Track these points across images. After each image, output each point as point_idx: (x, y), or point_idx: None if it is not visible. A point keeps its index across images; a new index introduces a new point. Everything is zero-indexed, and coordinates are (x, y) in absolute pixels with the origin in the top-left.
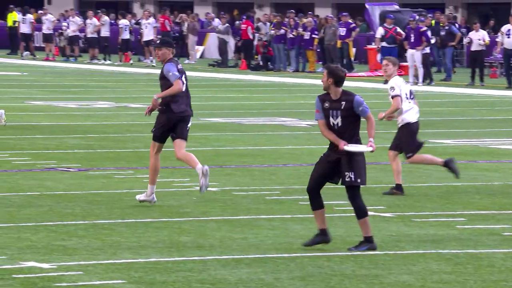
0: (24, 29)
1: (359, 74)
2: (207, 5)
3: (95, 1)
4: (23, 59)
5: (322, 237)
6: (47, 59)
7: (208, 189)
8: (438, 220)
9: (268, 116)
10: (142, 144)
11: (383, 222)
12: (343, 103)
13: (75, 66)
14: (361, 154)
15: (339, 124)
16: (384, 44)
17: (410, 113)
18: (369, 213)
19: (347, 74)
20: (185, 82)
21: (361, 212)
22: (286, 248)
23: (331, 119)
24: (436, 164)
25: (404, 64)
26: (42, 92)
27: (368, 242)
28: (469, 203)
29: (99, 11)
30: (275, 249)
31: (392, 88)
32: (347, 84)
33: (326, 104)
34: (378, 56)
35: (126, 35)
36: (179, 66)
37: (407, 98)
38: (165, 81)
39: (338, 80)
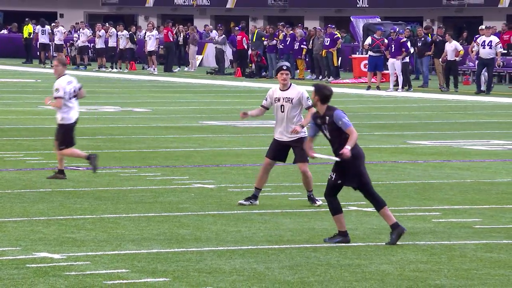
0: (43, 39)
1: (344, 81)
2: (206, 18)
3: (103, 15)
4: (48, 67)
5: (343, 237)
6: None
7: (206, 186)
8: (415, 215)
9: (261, 119)
10: (145, 145)
11: (366, 216)
12: (327, 117)
13: (84, 73)
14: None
15: (329, 136)
16: (371, 53)
17: (72, 112)
18: (352, 208)
19: (333, 81)
20: None
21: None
22: (277, 240)
23: (324, 132)
24: (80, 158)
25: (386, 72)
26: None
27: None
28: (444, 199)
29: (106, 23)
30: (266, 241)
31: (57, 89)
32: (334, 89)
33: (318, 121)
34: (362, 65)
35: (124, 45)
36: None
37: (69, 98)
38: None
39: (323, 98)
